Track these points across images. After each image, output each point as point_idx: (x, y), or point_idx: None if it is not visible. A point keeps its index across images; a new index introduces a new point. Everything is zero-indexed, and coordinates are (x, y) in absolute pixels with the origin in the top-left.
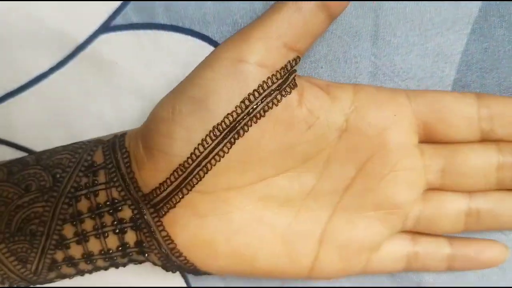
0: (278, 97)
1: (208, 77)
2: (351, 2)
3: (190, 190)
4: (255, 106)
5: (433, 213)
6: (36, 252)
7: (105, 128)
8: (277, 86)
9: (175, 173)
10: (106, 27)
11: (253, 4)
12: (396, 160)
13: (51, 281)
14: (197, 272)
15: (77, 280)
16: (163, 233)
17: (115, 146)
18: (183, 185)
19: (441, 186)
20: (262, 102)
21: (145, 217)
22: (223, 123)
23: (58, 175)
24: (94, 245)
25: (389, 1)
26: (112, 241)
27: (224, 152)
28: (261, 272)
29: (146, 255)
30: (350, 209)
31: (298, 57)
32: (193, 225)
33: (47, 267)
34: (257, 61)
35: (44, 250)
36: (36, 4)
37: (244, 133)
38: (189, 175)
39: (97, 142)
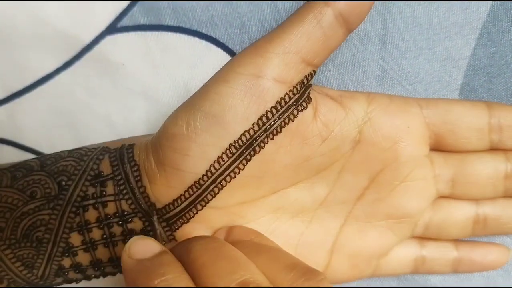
0: (295, 112)
1: (224, 92)
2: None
3: (204, 206)
4: (272, 123)
5: (442, 221)
6: (42, 258)
7: (110, 129)
8: (294, 102)
9: (190, 190)
10: (113, 28)
11: (260, 6)
12: (407, 171)
13: (58, 285)
14: None
15: None
16: None
17: (123, 157)
18: (197, 201)
19: (450, 195)
20: (279, 119)
21: (157, 231)
22: (239, 141)
23: (63, 183)
24: (102, 253)
25: (398, 5)
26: (122, 250)
27: (239, 169)
28: None
29: None
30: (361, 219)
31: (314, 71)
32: None
33: (53, 272)
34: (275, 77)
35: (51, 256)
36: (42, 5)
37: (260, 149)
38: (203, 192)
39: (103, 151)
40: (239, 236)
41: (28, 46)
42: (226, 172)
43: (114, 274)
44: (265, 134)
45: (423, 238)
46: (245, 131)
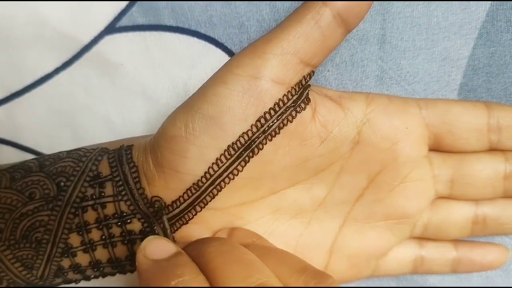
0: (293, 113)
1: (222, 93)
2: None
3: (203, 207)
4: (270, 124)
5: (441, 221)
6: (42, 259)
7: (109, 128)
8: (292, 103)
9: (188, 191)
10: (112, 28)
11: (259, 6)
12: (406, 172)
13: (57, 285)
14: None
15: None
16: None
17: (121, 158)
18: (196, 203)
19: (449, 195)
20: (277, 120)
21: (156, 232)
22: (238, 142)
23: (62, 184)
24: (101, 254)
25: (397, 5)
26: (121, 251)
27: (238, 170)
28: None
29: None
30: (360, 219)
31: (313, 71)
32: None
33: (53, 273)
34: (273, 78)
35: (50, 257)
36: (41, 5)
37: (258, 151)
38: (202, 193)
39: (101, 152)
40: (241, 238)
41: (27, 46)
42: (225, 174)
43: (113, 274)
44: (263, 136)
45: (422, 238)
46: (243, 133)
